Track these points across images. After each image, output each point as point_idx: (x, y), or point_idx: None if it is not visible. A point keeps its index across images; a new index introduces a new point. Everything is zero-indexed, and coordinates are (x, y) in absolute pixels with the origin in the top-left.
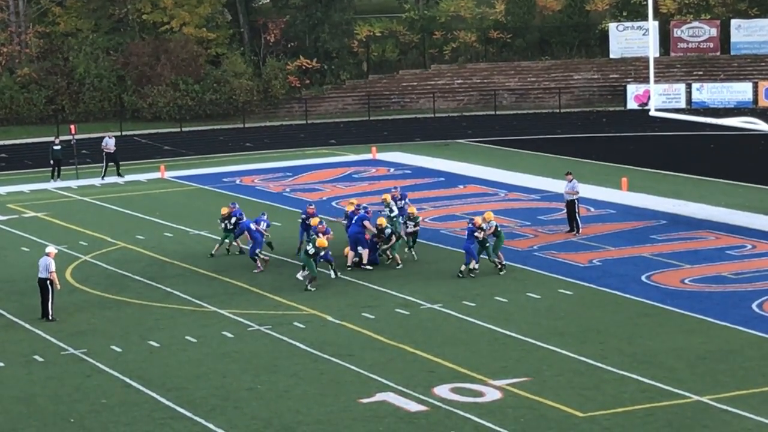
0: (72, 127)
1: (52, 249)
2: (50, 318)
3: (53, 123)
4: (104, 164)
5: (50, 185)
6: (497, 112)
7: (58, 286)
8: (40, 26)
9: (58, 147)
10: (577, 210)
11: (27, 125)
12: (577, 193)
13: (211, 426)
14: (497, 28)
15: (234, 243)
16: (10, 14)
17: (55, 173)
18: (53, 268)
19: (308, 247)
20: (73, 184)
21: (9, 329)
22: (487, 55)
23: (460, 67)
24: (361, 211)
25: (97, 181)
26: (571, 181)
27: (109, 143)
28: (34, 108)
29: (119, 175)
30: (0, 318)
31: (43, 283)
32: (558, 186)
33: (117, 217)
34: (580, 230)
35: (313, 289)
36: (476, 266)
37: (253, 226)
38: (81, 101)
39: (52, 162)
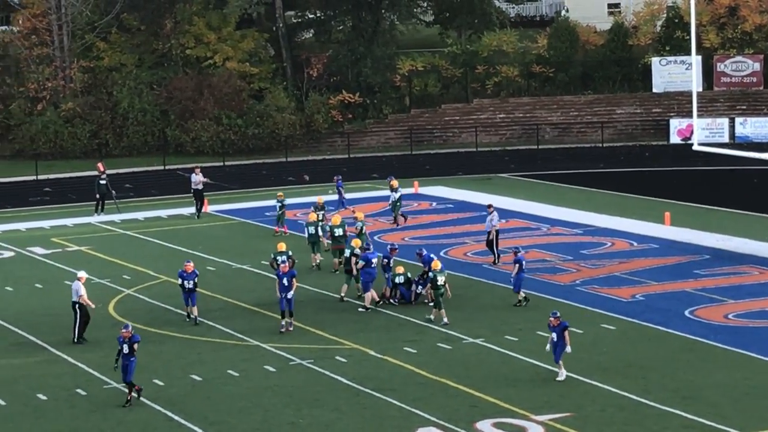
0: (100, 165)
1: (83, 274)
2: (76, 340)
3: (97, 157)
4: (195, 202)
5: (94, 219)
6: (539, 147)
7: (92, 306)
8: (84, 61)
9: (104, 181)
10: (496, 241)
11: (71, 159)
12: (495, 226)
13: None
14: (540, 62)
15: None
16: (54, 49)
17: (99, 207)
18: (83, 291)
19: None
20: (117, 218)
21: (52, 363)
22: (529, 89)
23: (503, 101)
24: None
25: (141, 215)
26: (491, 213)
27: (194, 179)
28: (79, 142)
29: (197, 212)
30: (42, 351)
31: (72, 306)
32: (602, 221)
33: (160, 251)
34: (500, 259)
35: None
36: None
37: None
38: (125, 135)
39: (97, 196)
